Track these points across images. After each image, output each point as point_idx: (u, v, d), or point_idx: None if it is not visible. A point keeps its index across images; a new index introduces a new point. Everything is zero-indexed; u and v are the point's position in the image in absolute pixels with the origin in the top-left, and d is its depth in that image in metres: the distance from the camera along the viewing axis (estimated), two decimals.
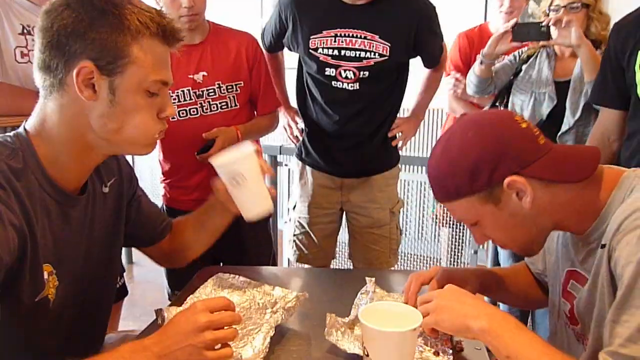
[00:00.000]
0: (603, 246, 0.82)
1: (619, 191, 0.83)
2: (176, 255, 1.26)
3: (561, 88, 1.86)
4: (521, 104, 1.95)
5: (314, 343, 1.00)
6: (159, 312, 0.97)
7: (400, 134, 1.89)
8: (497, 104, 2.04)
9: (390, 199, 1.90)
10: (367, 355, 0.79)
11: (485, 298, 1.35)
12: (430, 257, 2.89)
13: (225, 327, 0.84)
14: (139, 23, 0.84)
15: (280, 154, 2.65)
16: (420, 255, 2.86)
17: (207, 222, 1.21)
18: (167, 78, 0.90)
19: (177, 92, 1.61)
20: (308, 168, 1.91)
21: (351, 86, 1.73)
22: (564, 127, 1.84)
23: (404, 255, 2.85)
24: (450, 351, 0.94)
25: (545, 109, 1.88)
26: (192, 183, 1.74)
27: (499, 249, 2.27)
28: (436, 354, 0.94)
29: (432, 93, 1.97)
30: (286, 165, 2.84)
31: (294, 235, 1.97)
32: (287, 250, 2.04)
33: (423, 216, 2.83)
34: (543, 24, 1.77)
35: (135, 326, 2.61)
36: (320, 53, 1.69)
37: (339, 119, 1.78)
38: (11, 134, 0.88)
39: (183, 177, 1.76)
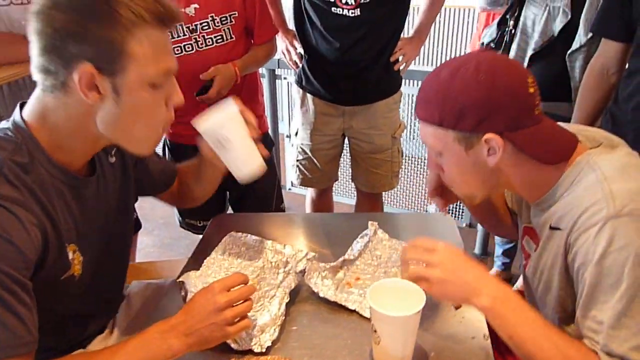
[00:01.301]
0: (553, 228, 0.87)
1: (571, 173, 0.86)
2: (185, 198, 1.30)
3: (577, 3, 1.76)
4: (533, 17, 1.85)
5: (324, 302, 1.08)
6: (181, 284, 1.04)
7: (402, 56, 1.83)
8: (508, 17, 1.94)
9: (392, 124, 1.91)
10: (375, 332, 0.87)
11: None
12: None
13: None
14: (132, 14, 0.79)
15: (278, 67, 2.59)
16: (427, 158, 2.94)
17: (202, 175, 1.21)
18: (170, 65, 0.87)
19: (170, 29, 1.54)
20: (309, 95, 1.88)
21: (352, 12, 1.65)
22: (575, 45, 1.77)
23: (411, 159, 2.94)
24: None
25: (558, 24, 1.80)
26: (194, 117, 1.72)
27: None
28: None
29: (435, 12, 1.88)
30: (285, 78, 2.78)
31: (297, 160, 2.01)
32: (290, 174, 2.09)
33: None
34: None
35: (149, 241, 2.76)
36: None
37: (339, 46, 1.72)
38: (9, 125, 0.86)
39: (184, 113, 1.69)
